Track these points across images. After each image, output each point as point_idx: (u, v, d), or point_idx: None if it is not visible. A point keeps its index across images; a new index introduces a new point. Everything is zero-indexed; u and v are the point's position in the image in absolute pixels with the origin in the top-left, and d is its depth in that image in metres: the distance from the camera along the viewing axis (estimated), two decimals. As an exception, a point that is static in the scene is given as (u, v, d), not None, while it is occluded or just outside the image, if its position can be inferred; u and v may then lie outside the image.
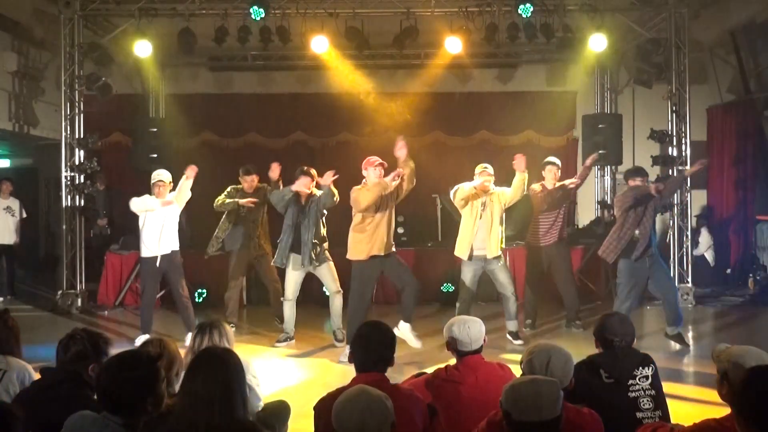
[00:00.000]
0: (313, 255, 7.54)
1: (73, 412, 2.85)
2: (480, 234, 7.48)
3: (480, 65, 12.47)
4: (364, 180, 7.15)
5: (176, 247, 7.92)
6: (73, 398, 3.15)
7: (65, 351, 3.37)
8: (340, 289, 7.74)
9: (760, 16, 10.80)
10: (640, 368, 3.64)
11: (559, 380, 2.98)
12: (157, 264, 7.76)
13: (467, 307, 7.56)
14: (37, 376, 3.62)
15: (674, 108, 10.20)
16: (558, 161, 8.42)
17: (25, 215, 11.30)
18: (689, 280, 10.06)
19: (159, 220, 7.77)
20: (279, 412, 4.17)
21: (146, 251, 7.81)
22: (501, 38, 10.06)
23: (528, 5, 9.29)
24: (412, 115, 12.78)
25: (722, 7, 11.21)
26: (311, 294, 10.13)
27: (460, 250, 7.59)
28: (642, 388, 3.59)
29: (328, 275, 7.74)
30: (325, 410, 3.15)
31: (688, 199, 10.21)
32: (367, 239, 7.02)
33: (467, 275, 7.61)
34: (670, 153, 10.32)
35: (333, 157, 12.59)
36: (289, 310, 7.80)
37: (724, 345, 3.20)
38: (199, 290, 9.92)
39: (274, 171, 7.96)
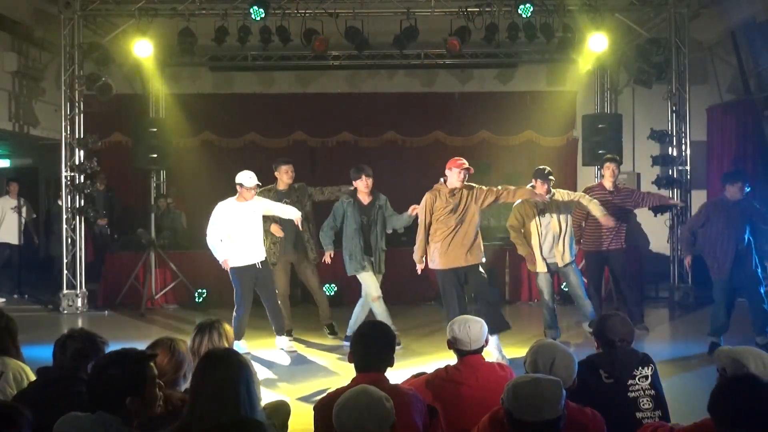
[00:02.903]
0: (380, 263, 7.45)
1: (70, 411, 2.85)
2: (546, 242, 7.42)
3: (480, 65, 12.48)
4: (442, 178, 6.84)
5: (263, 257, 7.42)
6: (71, 397, 3.14)
7: (63, 350, 3.36)
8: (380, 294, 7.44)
9: (760, 16, 10.79)
10: (640, 368, 3.64)
11: (563, 381, 2.98)
12: (254, 271, 7.31)
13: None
14: (33, 377, 3.62)
15: (674, 108, 10.20)
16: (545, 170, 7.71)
17: (34, 215, 11.39)
18: (689, 280, 10.04)
19: (246, 229, 7.27)
20: (279, 412, 4.16)
21: (240, 260, 7.27)
22: (501, 38, 10.06)
23: (528, 5, 9.29)
24: (412, 116, 12.82)
25: (722, 7, 11.21)
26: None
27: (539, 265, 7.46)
28: (642, 388, 3.59)
29: (374, 282, 7.50)
30: (325, 410, 3.15)
31: (688, 199, 10.20)
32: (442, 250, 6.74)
33: (545, 283, 7.50)
34: (670, 153, 10.32)
35: (333, 157, 12.65)
36: (379, 307, 7.40)
37: (727, 347, 3.23)
38: (199, 290, 9.92)
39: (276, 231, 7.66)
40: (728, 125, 12.11)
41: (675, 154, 10.22)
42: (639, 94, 12.16)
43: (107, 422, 2.69)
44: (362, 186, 7.43)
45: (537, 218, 7.31)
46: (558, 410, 2.61)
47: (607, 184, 7.87)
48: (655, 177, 10.51)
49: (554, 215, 7.32)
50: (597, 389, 3.53)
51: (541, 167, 7.31)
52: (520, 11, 9.34)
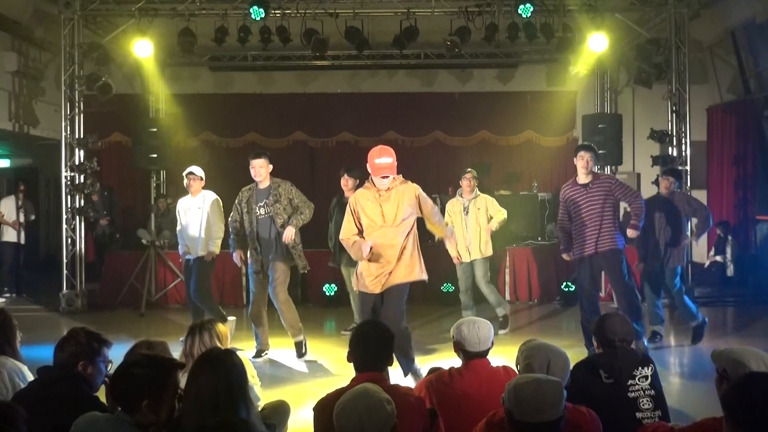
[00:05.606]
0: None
1: (70, 410, 2.85)
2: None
3: (480, 65, 12.49)
4: (368, 180, 5.53)
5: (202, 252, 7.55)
6: (70, 396, 3.14)
7: (61, 350, 3.36)
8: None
9: (760, 16, 10.79)
10: (640, 368, 3.63)
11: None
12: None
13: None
14: (30, 376, 3.61)
15: (674, 108, 10.19)
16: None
17: (33, 217, 11.38)
18: (689, 280, 10.03)
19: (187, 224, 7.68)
20: (279, 412, 4.17)
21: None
22: (501, 38, 10.06)
23: (528, 5, 9.29)
24: (412, 115, 12.83)
25: (722, 7, 11.21)
26: (311, 294, 10.14)
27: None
28: (641, 388, 3.59)
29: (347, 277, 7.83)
30: (324, 411, 3.14)
31: (688, 199, 10.18)
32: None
33: (460, 273, 8.08)
34: (670, 153, 10.32)
35: (333, 157, 12.66)
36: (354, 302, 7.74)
37: (725, 347, 3.22)
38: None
39: None
40: (728, 125, 12.11)
41: (675, 154, 10.21)
42: (639, 94, 12.16)
43: (121, 422, 2.69)
44: (342, 185, 7.71)
45: (461, 216, 7.96)
46: (559, 411, 2.61)
47: (580, 177, 6.77)
48: (655, 177, 10.48)
49: (473, 216, 7.92)
50: (597, 389, 3.53)
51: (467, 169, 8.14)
52: (520, 11, 9.34)
